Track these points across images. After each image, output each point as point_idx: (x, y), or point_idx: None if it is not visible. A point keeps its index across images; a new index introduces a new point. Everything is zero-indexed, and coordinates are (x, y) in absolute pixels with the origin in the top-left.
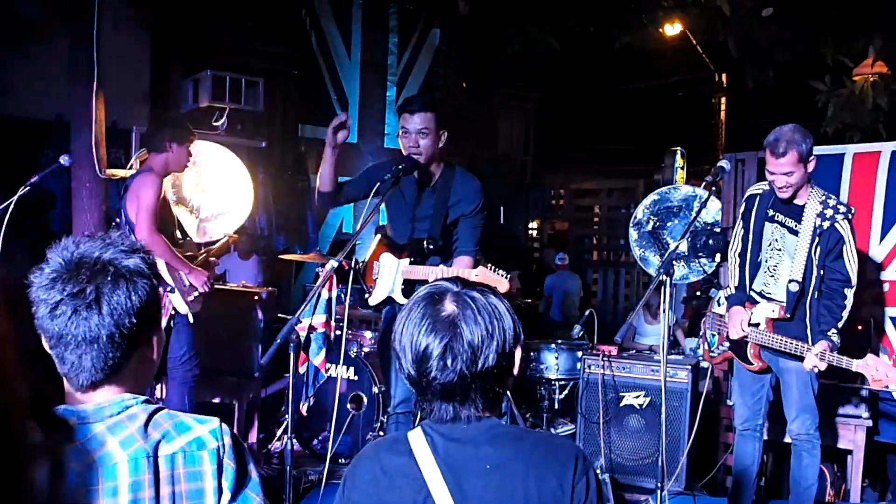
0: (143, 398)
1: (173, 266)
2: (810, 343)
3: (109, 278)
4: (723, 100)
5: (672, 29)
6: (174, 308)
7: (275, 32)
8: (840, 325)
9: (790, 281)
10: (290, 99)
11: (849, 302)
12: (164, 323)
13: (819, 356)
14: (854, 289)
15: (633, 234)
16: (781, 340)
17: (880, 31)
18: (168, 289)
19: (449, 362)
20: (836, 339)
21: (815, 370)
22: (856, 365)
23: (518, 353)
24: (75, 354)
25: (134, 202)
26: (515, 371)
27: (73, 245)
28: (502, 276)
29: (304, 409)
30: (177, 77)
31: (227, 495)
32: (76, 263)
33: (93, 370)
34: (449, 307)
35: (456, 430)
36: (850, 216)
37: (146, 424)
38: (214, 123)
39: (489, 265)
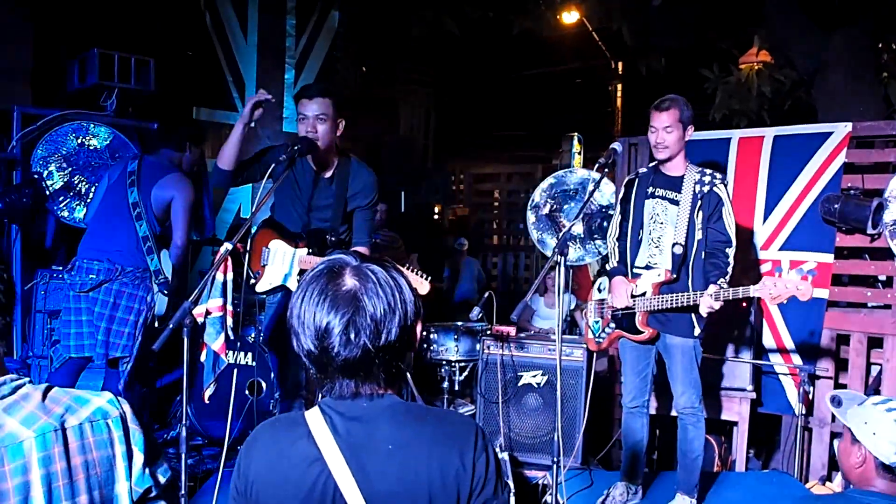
0: (27, 378)
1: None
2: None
3: None
4: (619, 87)
5: (569, 16)
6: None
7: (168, 11)
8: (727, 278)
9: (674, 244)
10: (184, 80)
11: (731, 260)
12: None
13: (713, 296)
14: (734, 249)
15: (531, 217)
16: (670, 298)
17: (764, 21)
18: (166, 291)
19: (352, 337)
20: (724, 286)
21: (711, 310)
22: (753, 290)
23: (419, 328)
24: None
25: (173, 200)
26: (416, 345)
27: None
28: (423, 278)
29: (206, 395)
30: (63, 55)
31: (139, 457)
32: None
33: None
34: (349, 281)
35: (356, 409)
36: (725, 182)
37: (43, 401)
38: (103, 104)
39: (408, 266)
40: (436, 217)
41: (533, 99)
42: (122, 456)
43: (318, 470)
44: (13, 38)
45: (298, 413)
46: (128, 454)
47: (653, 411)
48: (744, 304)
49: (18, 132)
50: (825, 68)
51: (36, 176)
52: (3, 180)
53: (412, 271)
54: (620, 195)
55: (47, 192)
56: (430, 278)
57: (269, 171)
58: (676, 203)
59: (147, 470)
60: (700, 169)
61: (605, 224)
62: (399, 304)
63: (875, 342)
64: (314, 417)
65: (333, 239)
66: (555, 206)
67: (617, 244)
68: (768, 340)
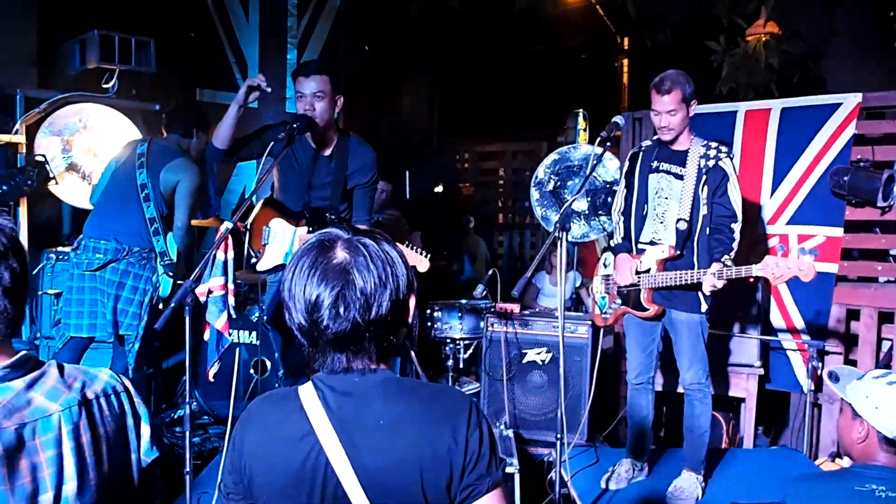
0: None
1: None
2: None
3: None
4: (625, 63)
5: None
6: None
7: None
8: (732, 255)
9: (678, 220)
10: (186, 61)
11: (737, 235)
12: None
13: (716, 275)
14: (740, 224)
15: (535, 193)
16: (674, 275)
17: None
18: (172, 273)
19: (342, 310)
20: (729, 264)
21: (714, 288)
22: (755, 269)
23: (412, 302)
24: (5, 301)
25: (178, 183)
26: (410, 320)
27: None
28: (423, 255)
29: (210, 374)
30: (65, 38)
31: (146, 429)
32: None
33: (14, 316)
34: (340, 254)
35: (348, 383)
36: (731, 156)
37: (61, 376)
38: (104, 86)
39: (408, 244)
40: (461, 198)
41: (538, 76)
42: (130, 429)
43: (309, 445)
44: (18, 20)
45: (292, 388)
46: (135, 426)
47: (659, 388)
48: (751, 280)
49: (21, 115)
50: (833, 39)
51: (40, 158)
52: (7, 163)
53: (412, 249)
54: (625, 168)
55: (51, 175)
56: (430, 255)
57: (268, 149)
58: (681, 178)
59: (154, 444)
60: (705, 142)
61: (609, 200)
62: (390, 277)
63: (886, 317)
64: (307, 392)
65: (333, 217)
66: (559, 183)
67: (622, 218)
68: (776, 316)
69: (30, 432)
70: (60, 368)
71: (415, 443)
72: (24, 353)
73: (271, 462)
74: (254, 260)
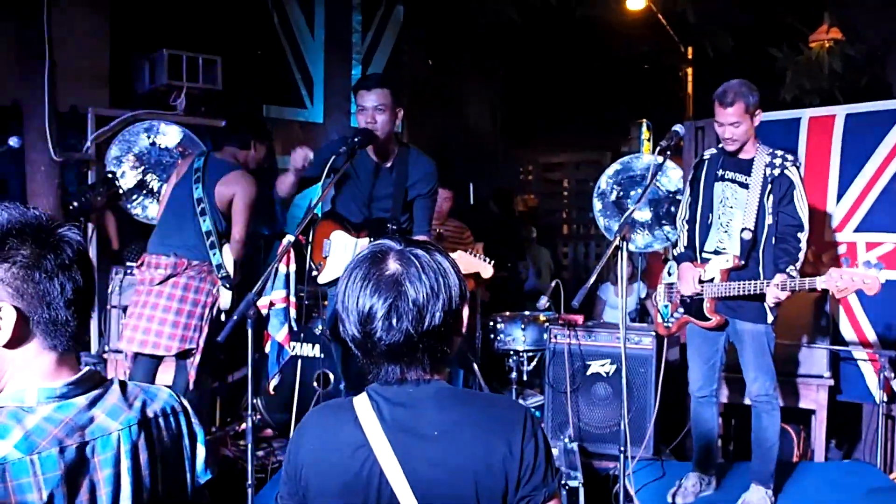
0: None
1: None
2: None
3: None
4: (689, 72)
5: (635, 2)
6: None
7: (236, 11)
8: (798, 265)
9: (743, 229)
10: (252, 78)
11: (803, 245)
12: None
13: (779, 286)
14: (806, 233)
15: (598, 204)
16: (738, 286)
17: None
18: (228, 285)
19: (394, 322)
20: (794, 274)
21: (778, 300)
22: (819, 282)
23: (465, 312)
24: (67, 312)
25: (235, 196)
26: (463, 330)
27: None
28: (486, 261)
29: (271, 386)
30: (136, 57)
31: (201, 450)
32: (37, 227)
33: (76, 329)
34: (392, 266)
35: (402, 394)
36: (798, 164)
37: (123, 394)
38: (173, 103)
39: (470, 252)
40: (522, 209)
41: (601, 86)
42: (186, 448)
43: (363, 455)
44: (91, 42)
45: (347, 399)
46: (191, 447)
47: (726, 400)
48: (818, 291)
49: (93, 133)
50: None
51: (110, 175)
52: (79, 180)
53: (475, 256)
54: (689, 176)
55: (121, 191)
56: (493, 262)
57: (330, 162)
58: (746, 186)
59: (207, 466)
60: (771, 150)
61: (672, 209)
62: (443, 288)
63: None
64: (361, 403)
65: (394, 228)
66: (621, 193)
67: (686, 226)
68: (845, 324)
69: (90, 450)
70: (123, 386)
71: (469, 453)
72: (88, 368)
73: (326, 473)
74: (315, 272)
